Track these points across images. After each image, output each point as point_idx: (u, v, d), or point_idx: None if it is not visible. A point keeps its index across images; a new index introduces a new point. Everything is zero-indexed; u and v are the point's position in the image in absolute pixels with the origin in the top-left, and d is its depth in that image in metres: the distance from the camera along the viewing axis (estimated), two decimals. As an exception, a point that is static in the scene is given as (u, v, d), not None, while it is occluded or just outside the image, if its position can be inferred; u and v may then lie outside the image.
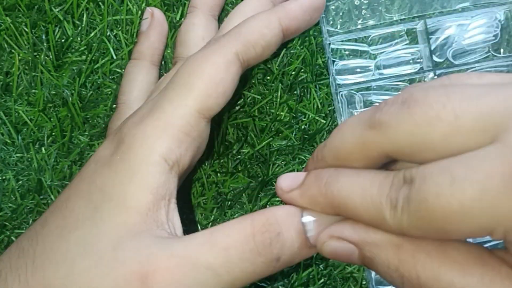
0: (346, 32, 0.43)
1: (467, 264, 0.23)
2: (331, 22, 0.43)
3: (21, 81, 0.44)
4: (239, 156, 0.44)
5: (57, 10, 0.44)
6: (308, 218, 0.28)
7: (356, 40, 0.44)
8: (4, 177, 0.43)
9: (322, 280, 0.43)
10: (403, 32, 0.44)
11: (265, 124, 0.44)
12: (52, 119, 0.43)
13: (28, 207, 0.42)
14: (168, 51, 0.44)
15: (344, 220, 0.27)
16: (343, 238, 0.27)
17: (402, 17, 0.43)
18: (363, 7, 0.43)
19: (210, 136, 0.43)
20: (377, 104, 0.42)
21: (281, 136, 0.44)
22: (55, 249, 0.28)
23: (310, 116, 0.44)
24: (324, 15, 0.43)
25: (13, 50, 0.44)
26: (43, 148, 0.43)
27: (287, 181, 0.28)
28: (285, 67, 0.44)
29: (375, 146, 0.25)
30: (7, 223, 0.42)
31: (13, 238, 0.42)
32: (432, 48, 0.43)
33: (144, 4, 0.44)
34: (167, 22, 0.44)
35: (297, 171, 0.44)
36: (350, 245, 0.26)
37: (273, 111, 0.44)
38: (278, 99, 0.44)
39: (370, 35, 0.44)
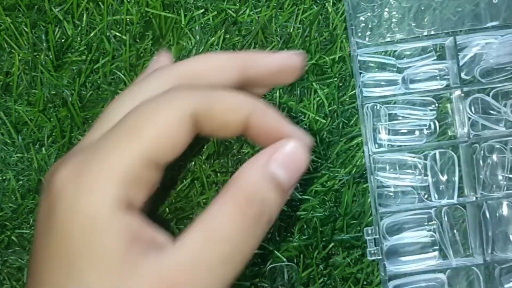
0: (375, 45, 0.43)
1: None
2: (360, 34, 0.43)
3: (21, 81, 0.44)
4: (239, 156, 0.44)
5: (57, 10, 0.44)
6: (276, 168, 0.29)
7: (384, 53, 0.44)
8: (4, 177, 0.43)
9: (322, 280, 0.43)
10: (431, 48, 0.44)
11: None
12: (52, 119, 0.43)
13: (28, 207, 0.42)
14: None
15: None
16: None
17: (432, 32, 0.43)
18: (393, 20, 0.43)
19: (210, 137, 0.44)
20: (401, 117, 0.43)
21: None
22: None
23: (310, 116, 0.44)
24: (353, 27, 0.43)
25: (13, 50, 0.44)
26: (43, 148, 0.43)
27: None
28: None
29: None
30: (7, 223, 0.42)
31: (13, 238, 0.42)
32: (460, 65, 0.43)
33: (144, 5, 0.44)
34: (168, 24, 0.44)
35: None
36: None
37: (273, 111, 0.44)
38: (278, 99, 0.44)
39: (398, 49, 0.44)
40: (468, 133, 0.42)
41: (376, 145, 0.43)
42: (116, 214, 0.28)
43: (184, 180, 0.44)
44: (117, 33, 0.44)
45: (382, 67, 0.44)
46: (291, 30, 0.44)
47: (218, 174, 0.44)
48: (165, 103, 0.30)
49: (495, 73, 0.43)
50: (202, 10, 0.44)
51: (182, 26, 0.44)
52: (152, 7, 0.44)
